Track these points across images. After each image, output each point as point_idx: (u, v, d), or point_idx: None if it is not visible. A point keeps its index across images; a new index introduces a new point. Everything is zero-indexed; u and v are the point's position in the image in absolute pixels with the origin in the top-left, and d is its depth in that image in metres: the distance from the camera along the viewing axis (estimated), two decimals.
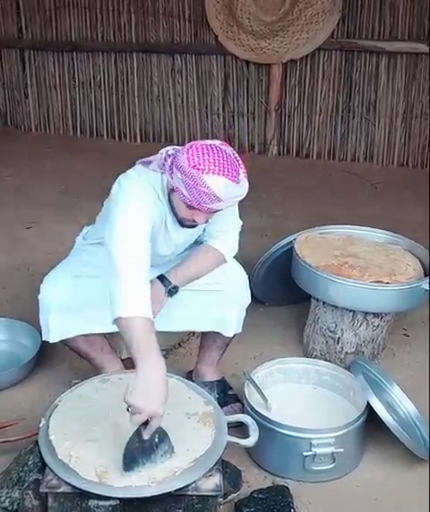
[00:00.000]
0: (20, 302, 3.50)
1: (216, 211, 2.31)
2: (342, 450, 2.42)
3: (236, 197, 2.25)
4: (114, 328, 2.57)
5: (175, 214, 2.39)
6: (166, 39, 5.90)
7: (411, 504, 2.39)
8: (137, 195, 2.32)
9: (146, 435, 1.98)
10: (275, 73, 5.69)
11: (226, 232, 2.60)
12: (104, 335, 2.72)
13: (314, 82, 5.71)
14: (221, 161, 2.16)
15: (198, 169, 2.14)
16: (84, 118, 6.42)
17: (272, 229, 4.32)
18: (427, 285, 2.85)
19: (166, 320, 2.58)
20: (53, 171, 5.57)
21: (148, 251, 2.28)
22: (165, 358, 3.06)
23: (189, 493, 1.99)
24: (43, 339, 2.66)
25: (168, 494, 1.95)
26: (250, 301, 2.74)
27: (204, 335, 2.80)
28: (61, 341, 2.62)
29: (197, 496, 2.00)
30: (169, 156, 2.28)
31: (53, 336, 2.59)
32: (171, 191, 2.32)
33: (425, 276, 2.95)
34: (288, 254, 3.13)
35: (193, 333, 3.15)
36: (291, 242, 3.16)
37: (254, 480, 2.46)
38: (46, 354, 3.06)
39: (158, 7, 5.78)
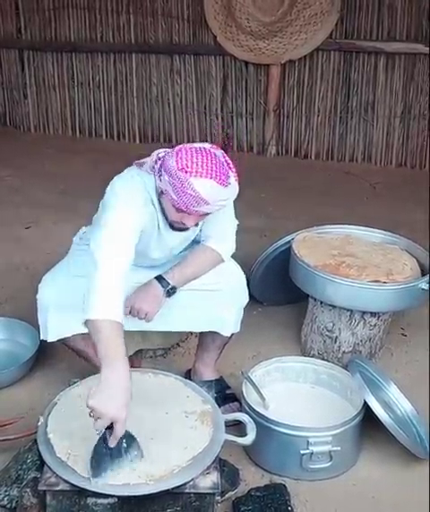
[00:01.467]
0: (19, 302, 3.50)
1: (205, 214, 2.30)
2: (339, 449, 2.43)
3: (223, 200, 2.24)
4: None
5: (166, 217, 2.40)
6: (164, 40, 5.90)
7: (408, 502, 2.40)
8: (128, 199, 2.32)
9: (112, 443, 1.96)
10: (274, 74, 5.69)
11: (222, 232, 2.61)
12: None
13: (313, 83, 5.72)
14: (209, 164, 2.16)
15: (185, 172, 2.15)
16: (83, 118, 6.42)
17: (271, 229, 4.33)
18: (424, 284, 2.86)
19: (164, 319, 2.59)
20: (52, 171, 5.58)
21: (129, 256, 2.27)
22: (163, 357, 3.13)
23: (187, 491, 2.00)
24: (41, 338, 2.68)
25: (166, 492, 1.96)
26: (248, 300, 2.75)
27: (202, 334, 2.81)
28: (59, 340, 2.63)
29: (195, 494, 2.01)
30: (160, 158, 2.28)
31: (51, 335, 2.60)
32: (161, 193, 2.33)
33: (423, 275, 2.96)
34: (286, 254, 3.14)
35: (192, 333, 3.16)
36: (289, 241, 3.17)
37: (252, 478, 2.48)
38: (45, 354, 3.07)
39: (156, 8, 5.79)
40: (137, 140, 6.28)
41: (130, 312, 2.50)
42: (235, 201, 2.48)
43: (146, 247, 2.49)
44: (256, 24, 5.42)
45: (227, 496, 2.30)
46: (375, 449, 2.63)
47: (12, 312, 3.36)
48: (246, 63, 5.75)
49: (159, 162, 2.27)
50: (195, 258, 2.61)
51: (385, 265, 2.97)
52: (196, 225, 2.40)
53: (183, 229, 2.41)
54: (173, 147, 2.31)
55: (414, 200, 4.94)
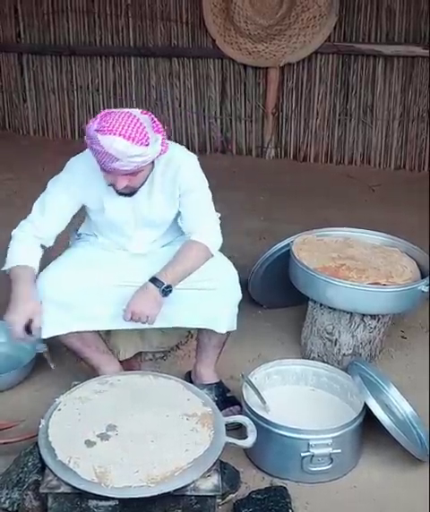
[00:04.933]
0: None
1: (132, 174, 2.43)
2: (340, 451, 2.44)
3: (134, 157, 2.33)
4: (109, 326, 2.61)
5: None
6: (163, 43, 5.91)
7: (409, 504, 2.40)
8: (70, 169, 2.68)
9: (35, 333, 2.48)
10: (272, 77, 5.71)
11: (203, 224, 2.66)
12: (100, 335, 2.74)
13: (312, 85, 5.73)
14: (122, 123, 2.31)
15: (97, 131, 2.31)
16: (82, 122, 6.42)
17: (270, 232, 4.33)
18: (424, 287, 2.86)
19: (158, 319, 2.60)
20: (51, 174, 5.54)
21: (60, 224, 2.67)
22: (163, 360, 3.13)
23: (188, 493, 2.00)
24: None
25: (167, 494, 1.96)
26: (240, 297, 2.74)
27: (200, 334, 2.82)
28: (54, 337, 2.63)
29: (196, 496, 2.02)
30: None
31: (46, 331, 2.59)
32: None
33: (422, 278, 2.96)
34: (286, 257, 3.14)
35: (191, 335, 3.16)
36: (289, 244, 3.17)
37: (253, 481, 2.48)
38: (45, 357, 3.07)
39: (155, 11, 5.80)
40: None
41: (131, 318, 2.50)
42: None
43: (103, 223, 2.74)
44: (255, 27, 5.44)
45: (227, 498, 2.30)
46: (376, 452, 2.63)
47: None
48: (245, 66, 5.76)
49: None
50: (184, 254, 2.62)
51: (385, 267, 2.98)
52: (125, 187, 2.49)
53: (124, 194, 2.55)
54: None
55: (413, 202, 4.95)
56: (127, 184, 2.47)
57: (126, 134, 2.29)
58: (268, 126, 5.91)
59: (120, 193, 2.55)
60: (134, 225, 2.72)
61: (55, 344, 2.89)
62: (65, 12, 6.02)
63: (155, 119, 2.40)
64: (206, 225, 2.66)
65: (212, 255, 2.65)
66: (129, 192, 2.55)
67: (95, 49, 6.11)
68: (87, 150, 2.56)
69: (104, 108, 6.19)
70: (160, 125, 2.40)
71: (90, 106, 6.35)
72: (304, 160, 5.97)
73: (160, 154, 2.44)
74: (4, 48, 6.37)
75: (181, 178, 2.60)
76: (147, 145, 2.33)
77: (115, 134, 2.29)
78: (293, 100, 5.83)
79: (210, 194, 2.68)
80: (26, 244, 2.62)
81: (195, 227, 2.65)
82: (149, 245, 2.79)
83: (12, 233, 2.67)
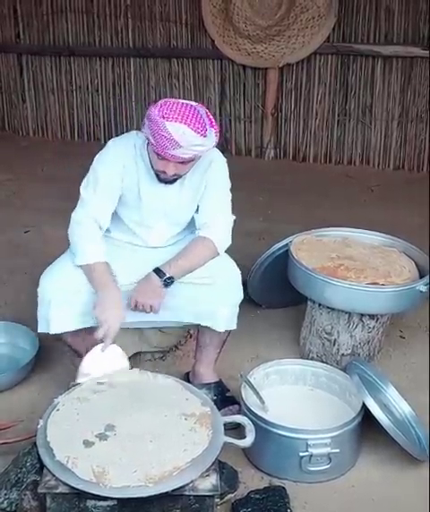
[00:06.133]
0: (18, 306, 3.51)
1: (183, 163, 2.49)
2: (338, 451, 2.44)
3: (196, 145, 2.41)
4: None
5: (152, 168, 2.59)
6: (163, 44, 5.92)
7: (407, 504, 2.40)
8: (116, 154, 2.66)
9: (104, 347, 2.45)
10: (271, 77, 5.71)
11: (217, 220, 2.67)
12: None
13: (311, 86, 5.74)
14: (187, 113, 2.40)
15: (162, 117, 2.38)
16: (82, 122, 6.43)
17: (269, 232, 4.33)
18: (423, 286, 2.86)
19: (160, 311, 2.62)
20: (50, 175, 5.58)
21: (113, 203, 2.68)
22: (162, 360, 3.13)
23: (186, 493, 2.00)
24: (39, 331, 2.69)
25: (166, 494, 1.96)
26: (242, 297, 2.75)
27: (199, 333, 2.83)
28: (60, 334, 2.64)
29: (194, 496, 2.01)
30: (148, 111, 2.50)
31: (53, 328, 2.62)
32: (148, 144, 2.55)
33: (421, 277, 2.96)
34: (285, 257, 3.14)
35: (190, 336, 3.17)
36: (287, 244, 3.17)
37: (251, 480, 2.48)
38: (44, 357, 3.07)
39: (155, 12, 5.80)
40: None
41: (135, 307, 2.56)
42: (233, 201, 2.55)
43: (130, 210, 2.73)
44: (254, 28, 5.44)
45: (226, 498, 2.31)
46: (374, 451, 2.63)
47: (11, 316, 3.36)
48: (244, 66, 5.76)
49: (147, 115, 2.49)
50: (190, 249, 2.65)
51: (383, 267, 2.98)
52: (175, 175, 2.54)
53: (167, 181, 2.59)
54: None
55: (412, 202, 4.95)
56: (175, 172, 2.52)
57: (191, 123, 2.38)
58: (267, 127, 5.91)
59: (161, 180, 2.60)
60: (160, 216, 2.74)
61: (55, 344, 2.90)
62: (65, 12, 6.03)
63: (209, 113, 2.46)
64: (219, 223, 2.68)
65: (218, 254, 2.67)
66: (171, 180, 2.60)
67: (94, 50, 6.11)
68: (124, 137, 2.73)
69: (103, 109, 6.28)
70: (214, 119, 2.45)
71: (89, 106, 6.35)
72: (303, 161, 5.98)
73: (213, 146, 2.52)
74: (4, 49, 6.38)
75: (210, 173, 2.68)
76: (205, 136, 2.41)
77: (181, 122, 2.37)
78: (292, 101, 5.83)
79: (230, 196, 2.74)
80: (89, 231, 2.62)
81: (208, 222, 2.67)
82: (165, 240, 2.82)
83: (72, 216, 2.67)
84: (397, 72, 5.50)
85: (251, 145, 6.07)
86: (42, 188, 5.27)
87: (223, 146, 6.05)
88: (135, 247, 2.82)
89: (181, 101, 2.46)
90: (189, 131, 2.37)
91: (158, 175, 2.59)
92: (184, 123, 2.37)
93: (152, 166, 2.59)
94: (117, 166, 2.64)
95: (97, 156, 2.70)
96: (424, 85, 5.48)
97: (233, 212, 2.71)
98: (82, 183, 2.71)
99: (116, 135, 6.54)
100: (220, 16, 5.53)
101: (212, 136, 2.44)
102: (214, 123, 2.45)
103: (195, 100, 5.95)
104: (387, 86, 5.57)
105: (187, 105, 2.44)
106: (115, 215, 2.73)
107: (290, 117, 5.89)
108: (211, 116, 2.46)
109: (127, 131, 6.63)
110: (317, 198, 5.12)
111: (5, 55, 6.41)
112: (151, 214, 2.73)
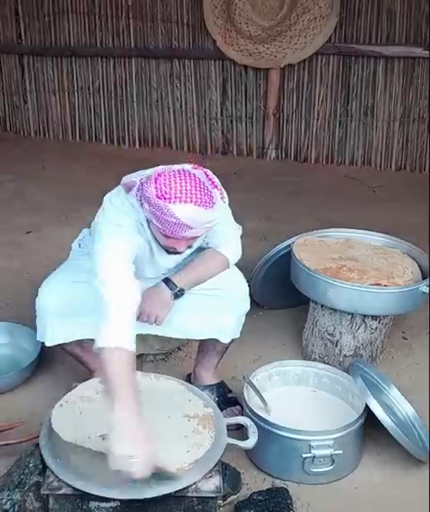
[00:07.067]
0: (19, 306, 3.50)
1: (194, 238, 2.29)
2: (341, 452, 2.44)
3: (208, 223, 2.21)
4: None
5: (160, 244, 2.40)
6: (164, 45, 5.91)
7: (410, 505, 2.40)
8: (120, 226, 2.33)
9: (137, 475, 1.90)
10: (273, 78, 5.70)
11: (226, 238, 2.62)
12: None
13: (312, 87, 5.72)
14: (189, 187, 2.13)
15: (164, 199, 2.12)
16: (83, 123, 6.42)
17: (271, 233, 4.33)
18: (425, 287, 2.86)
19: (164, 325, 2.59)
20: (52, 176, 5.58)
21: (135, 282, 2.28)
22: (164, 361, 3.12)
23: (189, 495, 2.01)
24: (38, 340, 2.69)
25: (169, 496, 1.96)
26: (249, 308, 2.75)
27: (203, 340, 2.81)
28: (56, 345, 2.64)
29: (197, 497, 2.02)
30: (142, 185, 2.25)
31: (49, 341, 2.62)
32: (149, 221, 2.32)
33: (423, 278, 2.96)
34: (287, 258, 3.14)
35: None
36: (290, 245, 3.17)
37: (254, 482, 2.48)
38: (46, 358, 3.07)
39: (156, 13, 5.79)
40: (137, 145, 6.29)
41: (139, 316, 2.49)
42: (232, 206, 2.50)
43: (140, 270, 2.48)
44: (255, 28, 5.43)
45: (229, 500, 2.31)
46: (377, 453, 2.63)
47: (12, 317, 3.36)
48: (246, 67, 5.75)
49: (140, 190, 2.25)
50: (203, 261, 2.61)
51: (386, 268, 2.98)
52: (189, 247, 2.39)
53: (178, 253, 2.40)
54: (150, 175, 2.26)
55: (414, 203, 4.95)
56: (187, 246, 2.36)
57: (197, 200, 2.12)
58: (269, 127, 5.90)
59: (170, 253, 2.41)
60: (155, 271, 2.62)
61: (56, 345, 2.89)
62: (66, 13, 6.01)
63: (207, 172, 2.21)
64: (230, 239, 2.63)
65: (229, 266, 2.65)
66: (180, 252, 2.41)
67: (96, 50, 6.10)
68: (111, 207, 2.38)
69: (105, 110, 6.28)
70: (214, 179, 2.20)
71: (90, 107, 6.34)
72: (304, 161, 5.97)
73: (221, 211, 2.27)
74: (5, 50, 6.36)
75: None
76: (213, 207, 2.16)
77: (186, 202, 2.11)
78: (294, 101, 5.82)
79: (230, 210, 2.54)
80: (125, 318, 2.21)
81: (218, 242, 2.60)
82: (171, 269, 2.66)
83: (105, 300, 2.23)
84: (399, 72, 5.49)
85: (252, 146, 6.06)
86: (44, 189, 5.27)
87: (224, 147, 6.05)
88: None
89: (175, 169, 2.18)
90: (197, 209, 2.12)
91: (166, 250, 2.39)
92: (191, 202, 2.11)
93: (158, 242, 2.39)
94: (125, 237, 2.35)
95: (102, 231, 2.36)
96: (425, 85, 5.46)
97: (234, 213, 2.66)
98: (102, 276, 2.27)
99: (117, 136, 6.57)
100: (222, 17, 5.52)
101: (219, 201, 2.18)
102: (216, 184, 2.19)
103: (197, 101, 5.99)
104: (389, 86, 5.56)
105: (184, 173, 2.16)
106: None
107: (292, 118, 5.88)
108: (211, 176, 2.20)
109: (128, 131, 6.65)
110: (319, 199, 5.11)
111: (7, 55, 6.39)
112: (163, 267, 2.61)
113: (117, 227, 2.32)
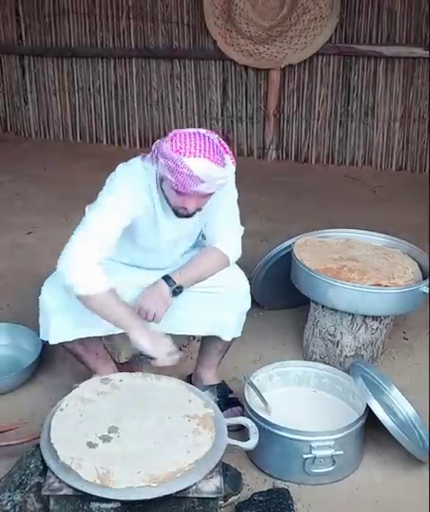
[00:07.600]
0: (21, 307, 3.50)
1: (204, 196, 2.35)
2: (342, 453, 2.44)
3: (219, 179, 2.29)
4: (112, 331, 2.59)
5: (169, 204, 2.43)
6: (165, 45, 5.92)
7: (411, 506, 2.40)
8: (127, 183, 2.43)
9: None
10: (273, 78, 5.71)
11: (227, 234, 2.63)
12: (101, 338, 2.74)
13: (313, 87, 5.73)
14: (203, 145, 2.24)
15: (179, 153, 2.22)
16: (84, 124, 6.43)
17: (272, 233, 4.33)
18: (426, 288, 2.86)
19: (165, 321, 2.59)
20: (53, 176, 5.59)
21: (115, 236, 2.43)
22: None
23: (190, 495, 2.00)
24: (41, 338, 2.69)
25: (169, 496, 1.96)
26: (250, 306, 2.75)
27: (204, 339, 2.81)
28: (59, 343, 2.64)
29: (198, 498, 2.01)
30: (157, 146, 2.35)
31: (53, 338, 2.61)
32: (162, 180, 2.39)
33: (424, 279, 2.96)
34: (288, 258, 3.14)
35: (194, 337, 3.16)
36: (290, 246, 3.17)
37: (255, 482, 2.48)
38: (47, 358, 3.08)
39: (156, 13, 5.80)
40: (138, 146, 6.29)
41: (138, 313, 2.50)
42: (238, 205, 2.51)
43: (143, 238, 2.55)
44: (256, 29, 5.44)
45: (230, 500, 2.31)
46: (378, 453, 2.63)
47: (13, 317, 3.36)
48: (246, 67, 5.76)
49: (156, 149, 2.34)
50: (202, 259, 2.61)
51: (386, 269, 2.98)
52: (199, 209, 2.41)
53: (187, 215, 2.43)
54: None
55: (414, 203, 4.95)
56: (197, 206, 2.38)
57: (210, 156, 2.23)
58: (269, 128, 5.91)
59: (180, 215, 2.43)
60: (172, 243, 2.63)
61: (57, 346, 2.88)
62: (67, 13, 6.03)
63: (220, 139, 2.31)
64: (230, 236, 2.64)
65: (229, 264, 2.65)
66: (191, 214, 2.44)
67: (96, 51, 6.11)
68: (122, 167, 2.48)
69: (105, 110, 6.28)
70: (226, 146, 2.30)
71: (91, 107, 6.35)
72: (305, 161, 5.97)
73: (232, 174, 2.39)
74: (6, 50, 6.38)
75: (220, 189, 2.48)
76: (224, 166, 2.27)
77: (200, 156, 2.22)
78: (294, 102, 5.83)
79: (237, 208, 2.63)
80: (88, 263, 2.38)
81: (219, 238, 2.62)
82: (177, 259, 2.70)
83: (72, 241, 2.45)
84: (399, 72, 5.50)
85: (253, 146, 6.06)
86: (44, 189, 5.28)
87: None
88: (136, 269, 2.73)
89: (190, 131, 2.29)
90: (210, 164, 2.22)
91: (176, 211, 2.42)
92: (204, 157, 2.22)
93: (169, 203, 2.42)
94: (130, 193, 2.43)
95: (107, 181, 2.50)
96: (426, 86, 5.47)
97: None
98: (92, 218, 2.48)
99: (118, 136, 6.59)
100: (222, 17, 5.52)
101: (230, 164, 2.30)
102: (228, 149, 2.30)
103: (197, 101, 6.00)
104: (389, 87, 5.57)
105: (199, 134, 2.28)
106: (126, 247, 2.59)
107: (292, 118, 5.89)
108: (223, 142, 2.31)
109: (129, 131, 6.67)
110: (319, 199, 5.11)
111: (8, 56, 6.41)
112: (167, 243, 2.62)
113: (124, 185, 2.43)
